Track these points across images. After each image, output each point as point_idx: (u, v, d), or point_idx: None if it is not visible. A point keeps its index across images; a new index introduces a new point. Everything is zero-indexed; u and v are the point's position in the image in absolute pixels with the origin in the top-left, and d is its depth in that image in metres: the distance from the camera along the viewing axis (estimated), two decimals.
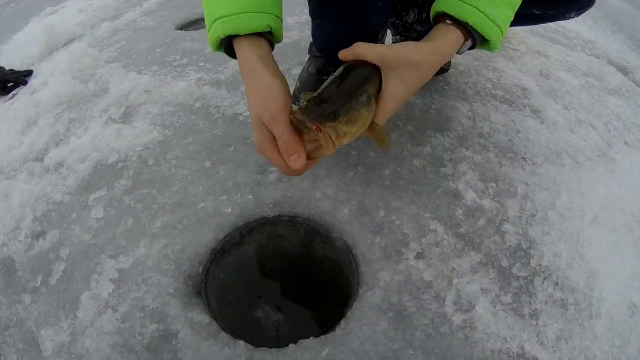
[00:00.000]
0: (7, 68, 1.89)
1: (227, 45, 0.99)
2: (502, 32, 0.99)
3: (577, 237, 1.30)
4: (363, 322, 1.12)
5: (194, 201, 1.29)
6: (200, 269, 1.20)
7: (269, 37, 1.00)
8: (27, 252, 1.34)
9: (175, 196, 1.31)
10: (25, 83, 1.82)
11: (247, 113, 1.47)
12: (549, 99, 1.69)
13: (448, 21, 0.99)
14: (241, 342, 1.10)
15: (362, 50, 0.93)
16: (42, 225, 1.37)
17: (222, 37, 0.96)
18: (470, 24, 0.97)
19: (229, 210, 1.26)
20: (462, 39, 0.99)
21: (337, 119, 0.81)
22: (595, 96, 1.78)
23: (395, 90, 0.92)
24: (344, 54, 0.96)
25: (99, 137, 1.48)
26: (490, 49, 1.04)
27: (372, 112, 0.89)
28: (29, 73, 1.87)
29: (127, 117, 1.52)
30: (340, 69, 0.94)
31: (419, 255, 1.21)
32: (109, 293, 1.20)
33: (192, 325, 1.13)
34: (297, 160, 0.81)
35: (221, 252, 1.24)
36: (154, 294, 1.17)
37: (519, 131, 1.54)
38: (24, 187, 1.47)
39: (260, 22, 0.96)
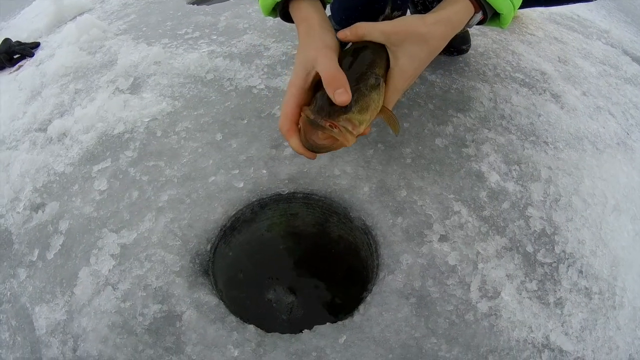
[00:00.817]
0: (14, 40, 1.72)
1: (282, 10, 0.92)
2: (514, 6, 0.88)
3: (600, 225, 1.20)
4: (384, 308, 0.97)
5: (204, 175, 1.13)
6: (209, 246, 1.05)
7: None
8: (24, 224, 1.20)
9: (184, 169, 1.15)
10: (31, 55, 1.67)
11: (262, 86, 1.31)
12: (568, 84, 1.55)
13: None
14: (251, 326, 0.96)
15: (365, 30, 0.84)
16: (41, 196, 1.22)
17: (278, 0, 0.88)
18: None
19: (241, 185, 1.10)
20: (471, 10, 0.87)
21: (350, 110, 0.75)
22: (613, 84, 1.64)
23: (404, 66, 0.83)
24: (344, 35, 0.85)
25: (104, 107, 1.32)
26: (500, 24, 0.93)
27: (382, 95, 0.81)
28: (36, 45, 1.71)
29: (135, 88, 1.36)
30: (344, 54, 0.85)
31: (443, 238, 1.07)
32: (109, 269, 1.06)
33: (198, 307, 0.99)
34: (343, 94, 0.73)
35: (231, 230, 1.09)
36: (157, 272, 1.03)
37: (540, 115, 1.39)
38: (25, 157, 1.31)
39: None
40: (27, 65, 1.62)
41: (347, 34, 0.84)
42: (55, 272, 1.11)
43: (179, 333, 0.96)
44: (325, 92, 0.76)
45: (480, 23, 0.94)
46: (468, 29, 1.03)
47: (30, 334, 1.06)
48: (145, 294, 1.01)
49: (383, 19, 0.95)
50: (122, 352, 0.97)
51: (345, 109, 0.74)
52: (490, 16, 0.90)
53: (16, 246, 1.18)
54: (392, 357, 0.94)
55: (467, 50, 1.49)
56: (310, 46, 0.82)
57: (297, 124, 0.79)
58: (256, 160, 1.15)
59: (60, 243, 1.14)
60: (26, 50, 1.67)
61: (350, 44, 0.88)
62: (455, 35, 1.48)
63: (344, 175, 1.13)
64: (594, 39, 1.82)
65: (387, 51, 0.84)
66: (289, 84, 0.82)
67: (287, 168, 1.14)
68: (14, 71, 1.63)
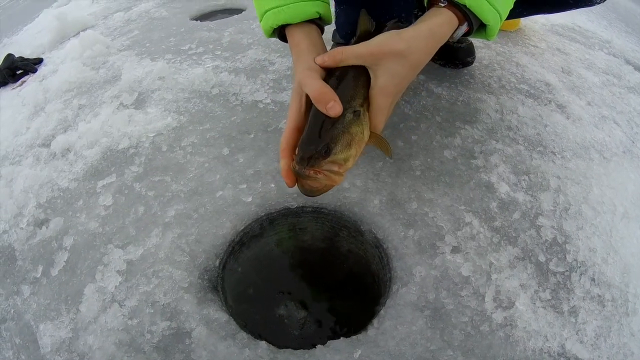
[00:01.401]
0: (17, 56, 1.71)
1: (280, 32, 0.95)
2: (500, 17, 0.87)
3: (610, 232, 1.18)
4: (398, 321, 0.95)
5: (211, 189, 1.12)
6: (217, 262, 1.03)
7: (319, 22, 0.95)
8: (28, 240, 1.18)
9: (191, 184, 1.13)
10: (34, 71, 1.66)
11: (268, 100, 1.30)
12: (573, 94, 1.55)
13: (442, 3, 0.86)
14: (263, 342, 0.93)
15: (342, 55, 0.83)
16: (45, 212, 1.20)
17: (274, 26, 0.93)
18: (467, 6, 0.84)
19: (249, 199, 1.09)
20: (455, 21, 0.86)
21: (330, 153, 0.74)
22: (617, 94, 1.64)
23: (384, 84, 0.82)
24: (322, 60, 0.84)
25: (109, 123, 1.30)
26: (487, 36, 0.92)
27: (364, 124, 0.80)
28: (39, 61, 1.70)
29: (139, 103, 1.35)
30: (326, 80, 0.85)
31: (455, 249, 1.06)
32: (115, 286, 1.03)
33: (208, 324, 0.96)
34: (335, 107, 0.74)
35: (239, 245, 1.07)
36: (165, 289, 1.00)
37: (546, 125, 1.39)
38: (29, 172, 1.29)
39: (310, 10, 0.91)
40: (30, 80, 1.61)
41: (325, 59, 0.83)
42: (60, 289, 1.08)
43: (189, 350, 0.94)
44: (305, 137, 0.76)
45: (466, 34, 0.93)
46: (452, 41, 1.03)
47: (34, 352, 1.03)
48: (153, 311, 0.98)
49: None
50: None
51: (326, 153, 0.74)
52: (477, 27, 0.90)
53: (20, 262, 1.15)
54: None
55: (472, 63, 1.49)
56: (297, 70, 0.84)
57: (294, 147, 0.80)
58: (264, 175, 1.13)
59: (65, 259, 1.11)
60: (29, 66, 1.66)
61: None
62: (460, 48, 1.51)
63: (353, 189, 1.12)
64: (596, 49, 1.83)
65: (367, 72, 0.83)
66: (288, 109, 0.84)
67: None
68: (17, 87, 1.61)
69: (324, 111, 0.75)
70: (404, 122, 1.27)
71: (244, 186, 1.11)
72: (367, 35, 0.88)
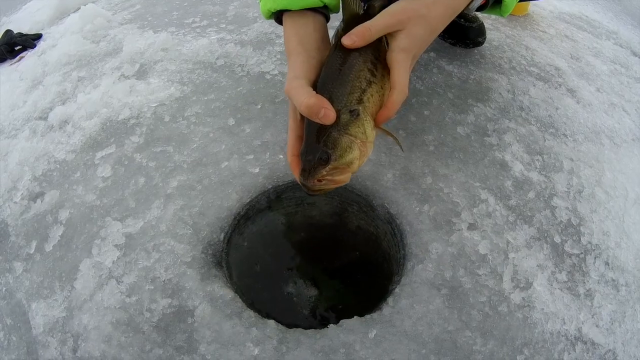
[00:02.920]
0: (15, 32, 1.58)
1: (279, 17, 0.85)
2: None
3: (623, 217, 1.10)
4: (414, 300, 0.85)
5: (216, 160, 1.00)
6: (222, 235, 0.92)
7: (324, 11, 0.83)
8: (22, 214, 1.06)
9: (195, 154, 1.02)
10: (33, 46, 1.53)
11: (275, 72, 1.18)
12: (582, 80, 1.45)
13: None
14: (271, 321, 0.82)
15: (372, 32, 0.73)
16: (41, 185, 1.08)
17: (273, 10, 0.83)
18: None
19: (257, 170, 0.97)
20: None
21: (330, 160, 0.67)
22: (625, 83, 1.54)
23: (406, 45, 0.74)
24: (351, 41, 0.72)
25: (109, 93, 1.18)
26: (501, 12, 0.88)
27: (365, 122, 0.70)
28: (38, 37, 1.58)
29: (141, 74, 1.22)
30: (317, 81, 0.75)
31: (472, 227, 0.96)
32: (113, 261, 0.92)
33: (212, 301, 0.85)
34: (327, 115, 0.66)
35: (245, 219, 0.96)
36: (166, 264, 0.89)
37: (557, 108, 1.29)
38: (24, 145, 1.17)
39: None
40: (29, 56, 1.49)
41: (354, 40, 0.72)
42: (54, 265, 0.96)
43: (191, 330, 0.82)
44: (303, 147, 0.70)
45: (480, 9, 0.88)
46: (467, 12, 0.94)
47: (26, 334, 0.91)
48: (153, 288, 0.86)
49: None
50: (127, 352, 0.82)
51: (326, 161, 0.66)
52: (492, 2, 0.85)
53: (12, 238, 1.03)
54: (425, 352, 0.81)
55: (482, 43, 1.39)
56: (287, 78, 0.75)
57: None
58: (272, 146, 1.01)
59: (60, 234, 0.99)
60: (28, 41, 1.53)
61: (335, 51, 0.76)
62: (471, 27, 1.41)
63: (365, 162, 1.01)
64: (603, 39, 1.73)
65: (369, 54, 0.74)
66: (288, 117, 0.78)
67: None
68: (15, 62, 1.49)
69: (317, 121, 0.67)
70: (415, 97, 1.16)
71: (251, 157, 0.99)
72: (356, 19, 0.78)
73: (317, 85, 0.72)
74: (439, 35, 1.37)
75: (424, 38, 0.76)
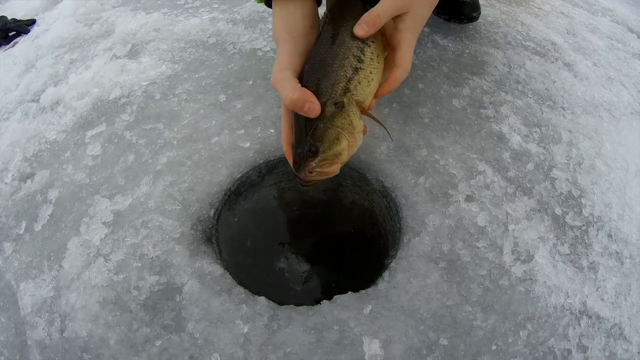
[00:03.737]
0: (9, 18, 1.51)
1: (268, 1, 0.79)
2: None
3: (624, 189, 1.03)
4: (411, 274, 0.78)
5: (206, 135, 0.93)
6: (212, 211, 0.85)
7: None
8: (12, 195, 0.99)
9: (185, 130, 0.94)
10: (27, 32, 1.45)
11: (267, 48, 1.11)
12: (579, 55, 1.37)
13: None
14: (262, 298, 0.76)
15: (381, 19, 0.69)
16: (31, 166, 1.01)
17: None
18: None
19: (247, 145, 0.90)
20: None
21: (318, 153, 0.65)
22: (622, 58, 1.46)
23: (412, 25, 0.71)
24: (364, 32, 0.68)
25: (100, 73, 1.11)
26: None
27: (351, 113, 0.67)
28: (32, 22, 1.50)
29: (133, 53, 1.15)
30: (304, 71, 0.71)
31: (470, 198, 0.89)
32: (100, 239, 0.85)
33: (201, 278, 0.78)
34: (312, 109, 0.64)
35: (236, 195, 0.89)
36: (155, 240, 0.82)
37: (554, 81, 1.22)
38: (16, 126, 1.10)
39: None
40: (23, 41, 1.41)
41: (366, 29, 0.67)
42: (42, 245, 0.89)
43: (180, 308, 0.76)
44: (294, 140, 0.68)
45: None
46: None
47: (14, 315, 0.85)
48: (140, 265, 0.80)
49: None
50: (114, 332, 0.76)
51: (315, 153, 0.65)
52: None
53: (2, 219, 0.96)
54: (423, 328, 0.74)
55: (477, 18, 1.30)
56: (273, 69, 0.71)
57: None
58: (263, 120, 0.94)
59: (49, 213, 0.92)
60: (22, 27, 1.45)
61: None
62: (465, 3, 1.32)
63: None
64: (599, 16, 1.64)
65: (354, 40, 0.68)
66: (281, 106, 0.75)
67: None
68: (9, 48, 1.42)
69: (301, 113, 0.65)
70: (410, 71, 1.08)
71: (242, 132, 0.92)
72: (341, 6, 0.72)
73: (303, 76, 0.69)
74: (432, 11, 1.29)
75: (424, 15, 0.73)
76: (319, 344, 0.71)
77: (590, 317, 0.83)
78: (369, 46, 0.69)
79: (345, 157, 0.67)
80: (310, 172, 0.65)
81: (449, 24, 1.28)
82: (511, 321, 0.78)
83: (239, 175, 0.87)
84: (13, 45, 1.41)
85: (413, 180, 0.87)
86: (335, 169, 0.67)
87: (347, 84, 0.67)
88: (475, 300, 0.78)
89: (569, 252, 0.89)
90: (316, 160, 0.65)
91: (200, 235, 0.82)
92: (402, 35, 0.70)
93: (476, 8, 1.29)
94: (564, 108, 1.15)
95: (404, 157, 0.90)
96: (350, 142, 0.66)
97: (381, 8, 0.68)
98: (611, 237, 0.93)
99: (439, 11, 1.31)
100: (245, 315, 0.73)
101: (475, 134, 0.99)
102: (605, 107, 1.21)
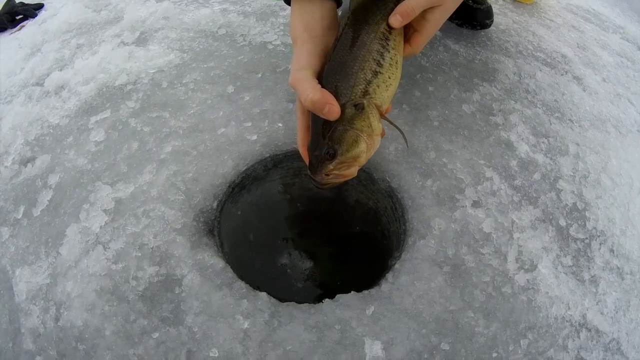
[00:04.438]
0: (17, 1, 1.49)
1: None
2: None
3: (628, 205, 1.02)
4: (415, 277, 0.76)
5: (213, 126, 0.91)
6: (215, 203, 0.83)
7: None
8: (12, 179, 0.96)
9: (191, 120, 0.92)
10: (34, 16, 1.43)
11: (278, 42, 1.08)
12: (588, 69, 1.35)
13: None
14: (263, 294, 0.74)
15: (416, 10, 0.68)
16: (32, 150, 0.99)
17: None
18: None
19: (254, 137, 0.88)
20: None
21: (336, 155, 0.64)
22: (631, 76, 1.45)
23: (439, 18, 0.71)
24: (399, 23, 0.68)
25: (107, 59, 1.08)
26: None
27: (371, 115, 0.65)
28: (39, 6, 1.48)
29: (141, 41, 1.13)
30: (324, 70, 0.70)
31: (476, 204, 0.87)
32: (100, 226, 0.82)
33: (202, 271, 0.76)
34: (331, 111, 0.62)
35: (240, 188, 0.86)
36: (155, 230, 0.80)
37: (563, 94, 1.20)
38: (19, 110, 1.08)
39: None
40: (29, 25, 1.39)
41: (401, 21, 0.67)
42: (40, 230, 0.87)
43: (178, 300, 0.73)
44: (311, 141, 0.67)
45: None
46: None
47: (9, 301, 0.82)
48: (140, 254, 0.77)
49: None
50: (110, 323, 0.73)
51: (332, 156, 0.63)
52: None
53: (1, 203, 0.93)
54: (425, 332, 0.72)
55: (489, 25, 1.29)
56: (291, 69, 0.69)
57: None
58: (271, 114, 0.91)
59: (49, 198, 0.90)
60: (29, 11, 1.43)
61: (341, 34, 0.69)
62: (479, 9, 1.30)
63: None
64: (610, 32, 1.63)
65: (375, 44, 0.67)
66: (296, 107, 0.73)
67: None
68: (16, 32, 1.40)
69: (321, 115, 0.63)
70: (420, 73, 1.06)
71: (249, 124, 0.89)
72: (364, 9, 0.71)
73: (322, 77, 0.67)
74: None
75: (452, 11, 0.73)
76: (320, 343, 0.69)
77: (590, 330, 0.82)
78: (389, 52, 0.68)
79: (363, 160, 0.66)
80: (327, 175, 0.64)
81: (461, 29, 1.26)
82: (512, 329, 0.76)
83: (244, 168, 0.84)
84: (20, 29, 1.39)
85: (420, 183, 0.86)
86: (352, 171, 0.66)
87: (366, 87, 0.65)
88: (477, 306, 0.77)
89: (572, 264, 0.87)
90: (334, 162, 0.64)
91: (203, 227, 0.79)
92: (427, 24, 0.70)
93: (489, 15, 1.28)
94: (572, 121, 1.13)
95: (412, 159, 0.89)
96: (368, 145, 0.65)
97: (416, 1, 0.67)
98: (613, 252, 0.91)
99: (451, 16, 1.30)
100: (246, 311, 0.71)
101: (483, 140, 0.97)
102: (613, 123, 1.20)
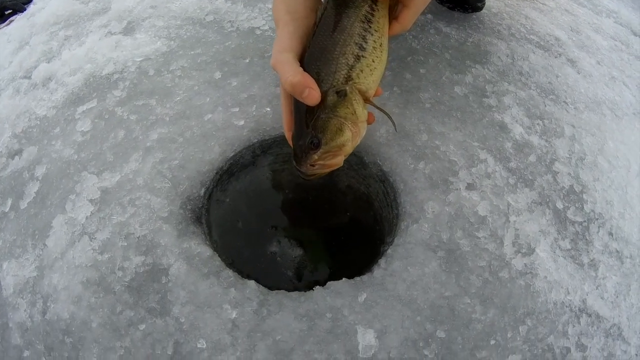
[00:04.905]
0: None
1: None
2: None
3: (626, 188, 0.98)
4: (409, 262, 0.72)
5: (200, 112, 0.86)
6: (202, 190, 0.79)
7: None
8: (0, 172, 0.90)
9: (178, 107, 0.88)
10: (23, 10, 1.38)
11: (266, 27, 1.03)
12: (582, 52, 1.30)
13: None
14: (252, 282, 0.70)
15: None
16: (20, 142, 0.95)
17: None
18: None
19: (242, 123, 0.84)
20: None
21: (320, 145, 0.60)
22: (625, 59, 1.40)
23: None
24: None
25: (94, 49, 1.04)
26: None
27: (354, 102, 0.61)
28: (28, 1, 1.43)
29: (128, 30, 1.08)
30: (306, 52, 0.65)
31: (470, 186, 0.83)
32: (86, 217, 0.79)
33: (189, 259, 0.72)
34: (310, 95, 0.58)
35: (228, 175, 0.82)
36: (142, 219, 0.76)
37: (558, 76, 1.15)
38: (7, 103, 1.04)
39: None
40: (18, 19, 1.34)
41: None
42: (27, 223, 0.83)
43: (165, 290, 0.70)
44: (294, 130, 0.63)
45: None
46: None
47: None
48: (126, 244, 0.73)
49: None
50: (96, 314, 0.70)
51: (316, 145, 0.60)
52: None
53: None
54: (420, 319, 0.68)
55: (481, 8, 1.24)
56: (272, 51, 0.65)
57: None
58: (259, 99, 0.87)
59: (35, 190, 0.86)
60: (18, 5, 1.39)
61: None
62: None
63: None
64: (603, 17, 1.57)
65: (356, 27, 0.63)
66: (280, 92, 0.69)
67: None
68: (4, 26, 1.35)
69: (300, 99, 0.60)
70: (411, 56, 1.01)
71: (236, 109, 0.85)
72: None
73: (304, 61, 0.63)
74: None
75: None
76: (311, 332, 0.65)
77: (590, 316, 0.78)
78: (372, 34, 0.63)
79: (349, 149, 0.62)
80: (312, 165, 0.61)
81: (452, 12, 1.21)
82: (510, 316, 0.73)
83: (232, 154, 0.80)
84: (9, 24, 1.34)
85: (412, 165, 0.81)
86: (338, 161, 0.62)
87: (349, 72, 0.61)
88: (474, 292, 0.72)
89: (570, 248, 0.83)
90: (318, 152, 0.60)
91: (190, 215, 0.76)
92: (415, 3, 0.65)
93: None
94: (566, 103, 1.08)
95: (404, 142, 0.84)
96: (354, 133, 0.61)
97: None
98: (612, 236, 0.88)
99: None
100: (234, 300, 0.67)
101: (477, 122, 0.93)
102: (608, 106, 1.15)
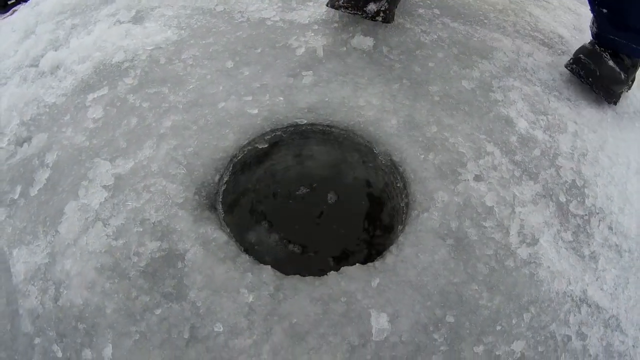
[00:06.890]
0: None
1: None
2: None
3: (625, 184, 1.01)
4: (419, 249, 0.74)
5: (213, 101, 0.87)
6: (217, 177, 0.79)
7: None
8: (8, 160, 0.92)
9: (190, 95, 0.89)
10: (26, 0, 1.37)
11: (277, 18, 1.04)
12: None
13: None
14: (268, 267, 0.70)
15: None
16: (28, 129, 0.95)
17: None
18: None
19: (255, 111, 0.85)
20: None
21: None
22: None
23: None
24: None
25: (103, 37, 1.04)
26: None
27: None
28: None
29: (137, 19, 1.08)
30: None
31: (478, 178, 0.85)
32: (100, 203, 0.79)
33: (205, 244, 0.73)
34: None
35: (242, 163, 0.83)
36: (157, 205, 0.76)
37: (561, 73, 1.18)
38: (14, 90, 1.03)
39: None
40: (22, 8, 1.34)
41: None
42: (38, 210, 0.83)
43: (181, 275, 0.70)
44: None
45: None
46: None
47: (6, 282, 0.78)
48: (141, 230, 0.74)
49: None
50: (111, 300, 0.70)
51: None
52: None
53: None
54: (430, 304, 0.70)
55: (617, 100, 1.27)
56: None
57: None
58: (272, 88, 0.88)
59: (46, 177, 0.86)
60: None
61: None
62: None
63: (369, 107, 0.87)
64: None
65: None
66: None
67: (306, 97, 0.87)
68: (8, 16, 1.34)
69: None
70: (420, 49, 1.03)
71: (249, 98, 0.86)
72: None
73: None
74: None
75: None
76: (326, 315, 0.67)
77: (590, 306, 0.81)
78: None
79: None
80: None
81: (457, 7, 1.23)
82: (515, 303, 0.75)
83: (246, 142, 0.81)
84: (12, 14, 1.33)
85: (422, 156, 0.83)
86: None
87: None
88: (481, 279, 0.74)
89: (572, 240, 0.86)
90: None
91: (205, 201, 0.76)
92: None
93: None
94: (569, 99, 1.11)
95: (414, 132, 0.86)
96: None
97: None
98: (612, 230, 0.90)
99: None
100: (250, 284, 0.68)
101: (483, 116, 0.95)
102: (609, 104, 1.18)
